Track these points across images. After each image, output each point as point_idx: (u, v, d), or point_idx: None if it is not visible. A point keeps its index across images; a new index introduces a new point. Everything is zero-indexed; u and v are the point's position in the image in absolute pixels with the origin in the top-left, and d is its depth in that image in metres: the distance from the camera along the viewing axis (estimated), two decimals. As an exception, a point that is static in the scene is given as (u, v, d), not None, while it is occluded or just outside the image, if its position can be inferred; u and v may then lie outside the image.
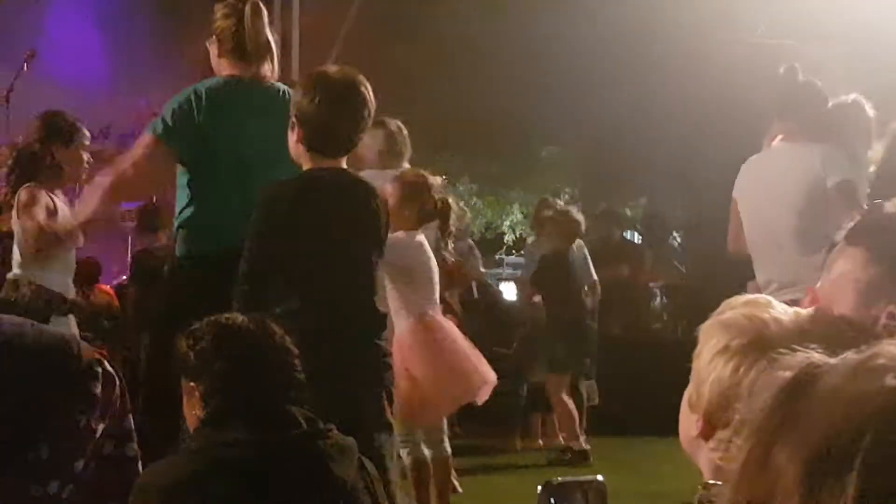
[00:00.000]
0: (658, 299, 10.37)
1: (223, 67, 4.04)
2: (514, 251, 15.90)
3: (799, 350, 0.92)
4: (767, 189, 4.66)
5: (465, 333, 5.16)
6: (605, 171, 13.11)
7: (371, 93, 3.41)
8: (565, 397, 7.55)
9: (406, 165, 5.55)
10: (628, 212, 14.14)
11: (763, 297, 0.93)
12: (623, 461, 7.15)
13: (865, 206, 4.17)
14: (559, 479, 1.39)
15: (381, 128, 5.47)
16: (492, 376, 5.07)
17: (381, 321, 3.42)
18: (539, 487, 1.37)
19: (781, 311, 0.99)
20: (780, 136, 4.74)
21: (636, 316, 9.63)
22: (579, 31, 10.53)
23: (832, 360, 0.83)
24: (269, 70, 4.05)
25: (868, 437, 0.75)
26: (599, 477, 1.45)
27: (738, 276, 4.89)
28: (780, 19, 9.86)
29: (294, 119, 3.37)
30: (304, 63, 8.51)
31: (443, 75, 11.12)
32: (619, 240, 10.12)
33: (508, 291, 10.48)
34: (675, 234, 12.72)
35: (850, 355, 0.82)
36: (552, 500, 1.33)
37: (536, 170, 14.11)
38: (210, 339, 2.37)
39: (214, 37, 4.05)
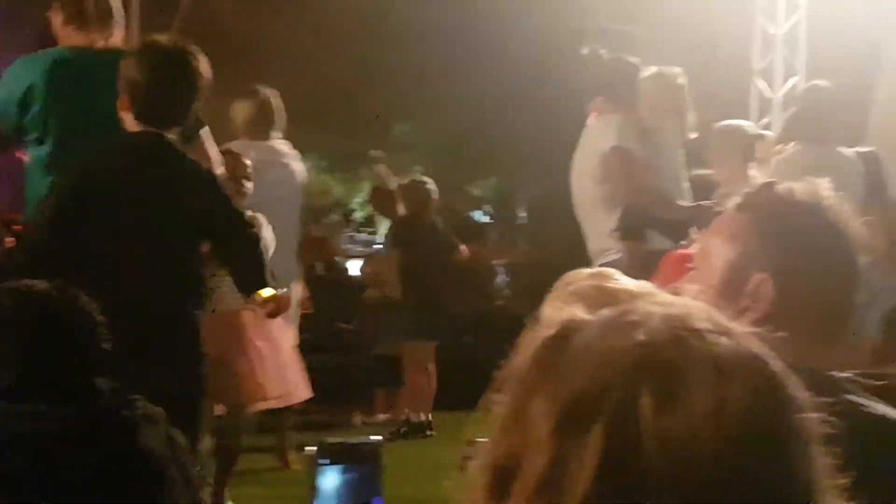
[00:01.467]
0: (502, 276, 10.55)
1: (66, 36, 3.95)
2: (362, 228, 15.89)
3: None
4: (576, 164, 4.90)
5: (312, 307, 5.18)
6: (456, 151, 13.22)
7: (204, 64, 3.38)
8: (430, 368, 7.54)
9: (277, 136, 5.48)
10: (475, 191, 14.30)
11: (608, 269, 0.95)
12: (464, 434, 7.20)
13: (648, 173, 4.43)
14: (333, 440, 1.41)
15: (251, 98, 5.40)
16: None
17: (196, 292, 3.38)
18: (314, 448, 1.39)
19: (628, 281, 1.02)
20: (594, 113, 4.97)
21: (479, 293, 9.78)
22: (436, 15, 10.58)
23: (589, 317, 0.83)
24: (113, 38, 3.98)
25: (614, 392, 0.76)
26: (376, 437, 1.48)
27: (582, 255, 5.06)
28: (624, 6, 10.11)
29: (121, 87, 3.32)
30: (146, 31, 8.31)
31: (296, 49, 11.01)
32: (464, 217, 10.27)
33: (356, 268, 10.48)
34: (521, 212, 12.93)
35: (606, 311, 0.83)
36: (324, 461, 1.35)
37: (388, 148, 14.12)
38: (8, 305, 2.29)
39: (57, 4, 3.97)
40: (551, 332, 0.84)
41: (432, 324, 7.62)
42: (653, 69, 5.16)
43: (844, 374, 2.35)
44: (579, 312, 0.84)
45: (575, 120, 5.30)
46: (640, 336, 0.78)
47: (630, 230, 4.55)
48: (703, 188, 5.00)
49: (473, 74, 10.93)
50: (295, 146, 5.72)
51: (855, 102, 7.39)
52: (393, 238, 8.08)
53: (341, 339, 8.64)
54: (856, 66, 8.34)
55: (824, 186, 1.59)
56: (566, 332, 0.83)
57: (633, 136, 4.77)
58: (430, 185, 8.00)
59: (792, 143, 5.25)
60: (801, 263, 1.54)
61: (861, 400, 1.51)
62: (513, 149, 12.16)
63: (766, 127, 8.34)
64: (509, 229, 11.12)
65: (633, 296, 0.85)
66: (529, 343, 0.85)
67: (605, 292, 0.86)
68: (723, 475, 0.75)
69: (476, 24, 10.47)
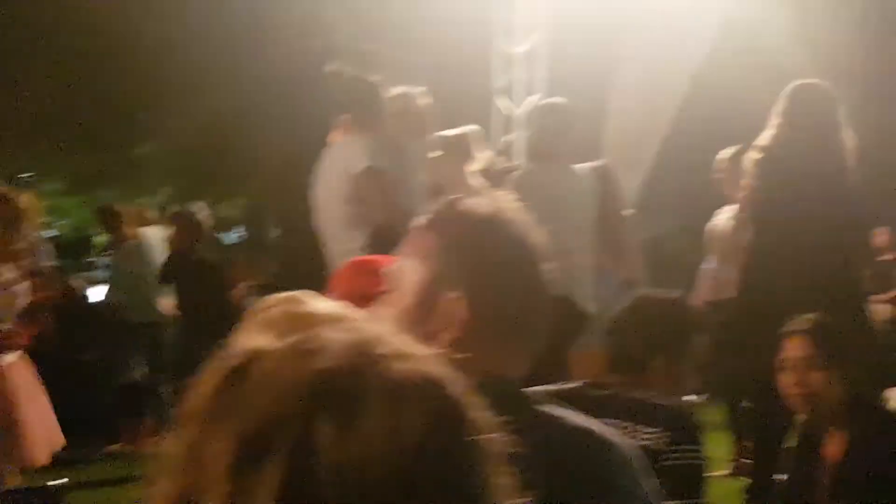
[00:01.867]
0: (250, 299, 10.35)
1: None
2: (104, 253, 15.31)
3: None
4: (322, 183, 4.89)
5: (50, 340, 4.96)
6: (204, 170, 12.94)
7: None
8: None
9: None
10: (226, 211, 14.04)
11: (303, 293, 0.90)
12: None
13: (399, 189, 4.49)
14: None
15: None
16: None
17: None
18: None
19: (323, 304, 0.97)
20: (339, 130, 4.96)
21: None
22: (179, 31, 10.33)
23: (271, 345, 0.81)
24: None
25: (291, 423, 0.74)
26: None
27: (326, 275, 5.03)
28: (368, 26, 10.22)
29: None
30: None
31: (32, 67, 10.50)
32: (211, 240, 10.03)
33: (98, 294, 10.04)
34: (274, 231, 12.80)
35: (289, 339, 0.80)
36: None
37: (132, 168, 13.66)
38: None
39: None
40: (232, 363, 0.81)
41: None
42: (398, 89, 5.21)
43: (572, 386, 2.42)
44: (269, 340, 0.81)
45: (322, 138, 5.28)
46: (318, 364, 0.77)
47: (381, 249, 4.55)
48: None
49: (218, 92, 10.74)
50: (33, 169, 5.46)
51: (592, 118, 7.74)
52: (163, 276, 7.82)
53: (82, 371, 8.26)
54: (593, 84, 8.74)
55: (507, 199, 1.62)
56: (246, 363, 0.80)
57: (383, 154, 4.77)
58: (200, 213, 7.80)
59: (525, 162, 5.42)
60: (488, 279, 1.54)
61: (556, 412, 1.54)
62: (261, 166, 12.03)
63: (509, 145, 8.61)
64: (260, 250, 10.97)
65: (322, 320, 0.83)
66: (210, 375, 0.82)
67: (294, 318, 0.84)
68: (400, 500, 0.74)
69: (221, 42, 10.30)
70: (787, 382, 3.25)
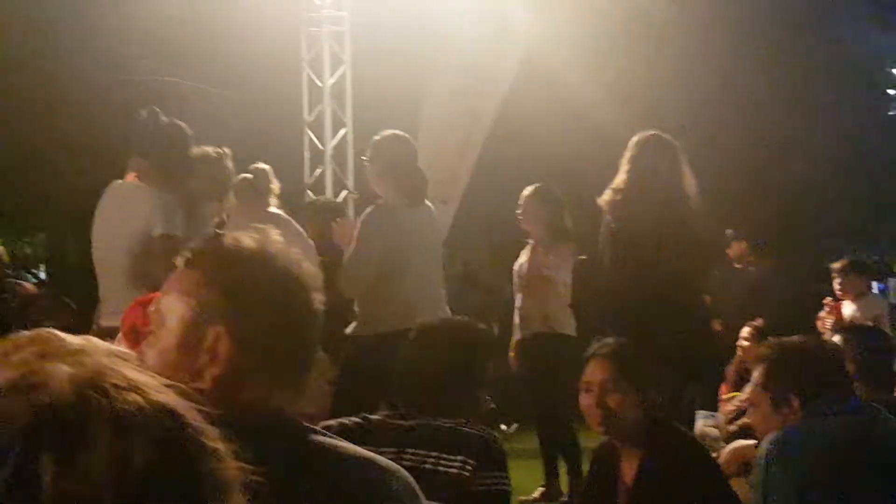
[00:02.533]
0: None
1: None
2: None
3: None
4: (107, 222, 4.71)
5: None
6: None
7: None
8: None
9: None
10: (27, 249, 13.45)
11: (50, 331, 0.87)
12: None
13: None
14: None
15: None
16: None
17: None
18: None
19: (69, 340, 0.93)
20: (133, 174, 4.78)
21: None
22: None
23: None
24: None
25: (12, 459, 0.74)
26: None
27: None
28: (173, 60, 10.04)
29: None
30: None
31: None
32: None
33: None
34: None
35: (12, 374, 0.80)
36: None
37: None
38: None
39: None
40: None
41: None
42: (203, 149, 5.04)
43: (375, 417, 2.42)
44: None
45: (110, 174, 5.07)
46: (41, 398, 0.77)
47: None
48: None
49: (17, 125, 10.31)
50: None
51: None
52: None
53: None
54: (400, 118, 8.83)
55: (273, 234, 1.63)
56: None
57: (176, 214, 4.59)
58: None
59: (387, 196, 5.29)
60: (254, 313, 1.55)
61: (332, 442, 1.56)
62: (64, 204, 11.58)
63: (320, 178, 8.61)
64: (62, 288, 10.51)
65: (59, 355, 0.83)
66: None
67: (30, 354, 0.83)
68: None
69: (14, 73, 9.91)
70: (587, 403, 3.35)
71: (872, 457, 2.74)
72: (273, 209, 5.62)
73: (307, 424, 1.56)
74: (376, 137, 5.28)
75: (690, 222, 5.07)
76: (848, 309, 7.56)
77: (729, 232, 10.45)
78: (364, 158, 5.40)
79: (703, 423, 8.60)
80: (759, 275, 10.34)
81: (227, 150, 5.15)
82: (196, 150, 4.89)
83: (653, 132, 5.28)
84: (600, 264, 5.22)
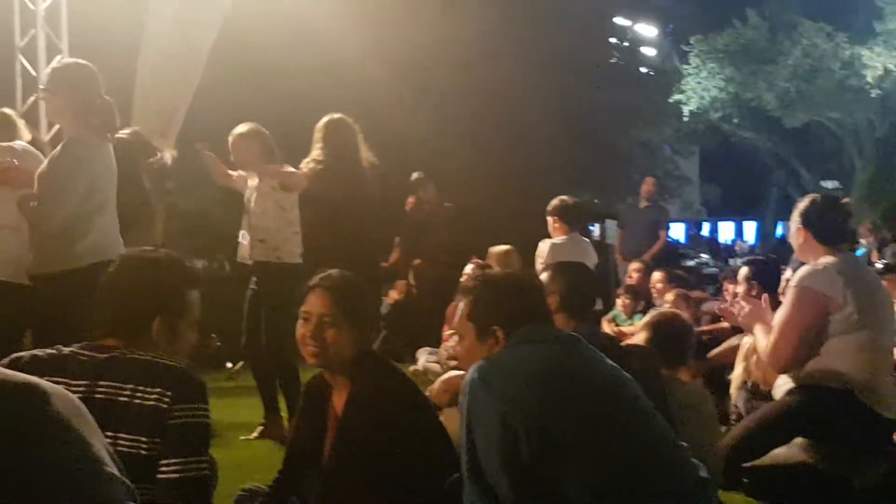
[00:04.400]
0: None
1: None
2: None
3: None
4: None
5: None
6: None
7: None
8: None
9: None
10: None
11: None
12: None
13: None
14: None
15: None
16: None
17: None
18: None
19: None
20: None
21: None
22: None
23: None
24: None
25: None
26: None
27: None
28: None
29: None
30: None
31: None
32: None
33: None
34: None
35: None
36: None
37: None
38: None
39: None
40: None
41: None
42: None
43: (68, 350, 2.33)
44: None
45: None
46: None
47: None
48: None
49: None
50: None
51: (120, 85, 7.48)
52: None
53: None
54: (118, 46, 8.44)
55: None
56: None
57: None
58: None
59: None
60: None
61: None
62: None
63: (33, 106, 8.13)
64: None
65: None
66: None
67: None
68: None
69: None
70: (302, 333, 3.34)
71: (571, 383, 2.86)
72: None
73: None
74: (55, 65, 5.00)
75: (369, 187, 6.74)
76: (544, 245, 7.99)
77: (416, 175, 11.21)
78: (43, 88, 5.07)
79: (425, 359, 8.86)
80: (459, 212, 11.26)
81: None
82: None
83: (339, 116, 6.69)
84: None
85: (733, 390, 5.70)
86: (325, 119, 6.72)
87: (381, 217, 6.79)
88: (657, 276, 8.44)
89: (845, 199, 4.88)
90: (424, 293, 10.58)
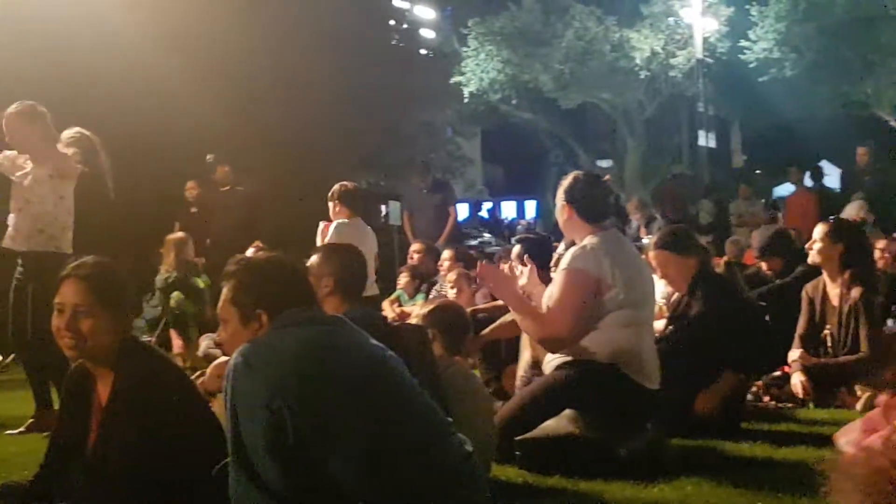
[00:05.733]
0: None
1: None
2: None
3: None
4: None
5: None
6: None
7: None
8: None
9: None
10: None
11: None
12: None
13: None
14: None
15: None
16: None
17: None
18: None
19: None
20: None
21: None
22: None
23: None
24: None
25: None
26: None
27: None
28: None
29: None
30: None
31: None
32: None
33: None
34: None
35: None
36: None
37: None
38: None
39: None
40: None
41: None
42: None
43: None
44: None
45: None
46: None
47: None
48: None
49: None
50: None
51: None
52: None
53: None
54: None
55: None
56: None
57: None
58: None
59: None
60: None
61: None
62: None
63: None
64: None
65: None
66: None
67: None
68: None
69: None
70: (57, 325, 3.22)
71: (335, 365, 2.87)
72: None
73: None
74: None
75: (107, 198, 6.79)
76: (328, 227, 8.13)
77: (210, 156, 11.27)
78: None
79: (205, 345, 8.71)
80: (249, 196, 11.48)
81: None
82: None
83: (88, 133, 6.66)
84: None
85: (519, 374, 5.81)
86: (69, 133, 6.62)
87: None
88: (447, 254, 8.62)
89: (607, 177, 5.07)
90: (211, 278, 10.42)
